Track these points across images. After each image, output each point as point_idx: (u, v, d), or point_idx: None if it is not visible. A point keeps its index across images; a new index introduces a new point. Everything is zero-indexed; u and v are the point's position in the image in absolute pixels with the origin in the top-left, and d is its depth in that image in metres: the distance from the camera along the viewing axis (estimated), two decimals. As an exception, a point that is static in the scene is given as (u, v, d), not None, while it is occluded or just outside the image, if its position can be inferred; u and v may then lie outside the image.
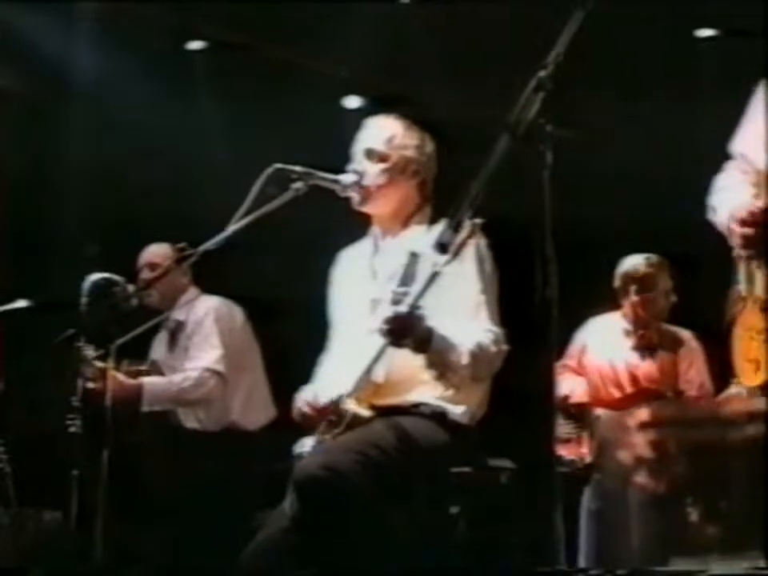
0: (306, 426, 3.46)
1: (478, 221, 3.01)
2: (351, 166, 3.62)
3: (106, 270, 3.82)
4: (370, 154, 3.61)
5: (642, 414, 4.52)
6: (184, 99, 6.13)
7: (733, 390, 3.51)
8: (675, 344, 4.88)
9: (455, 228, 2.84)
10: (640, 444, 4.29)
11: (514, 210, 3.19)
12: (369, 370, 3.36)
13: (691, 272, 5.27)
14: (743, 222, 3.12)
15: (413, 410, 3.43)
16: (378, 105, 5.93)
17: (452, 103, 5.98)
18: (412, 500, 3.36)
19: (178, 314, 5.00)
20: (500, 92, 2.90)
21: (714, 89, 5.52)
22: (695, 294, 4.88)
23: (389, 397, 3.43)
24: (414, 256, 3.23)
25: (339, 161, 3.67)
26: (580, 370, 4.90)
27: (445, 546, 3.43)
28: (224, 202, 3.59)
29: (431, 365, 3.33)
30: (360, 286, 3.62)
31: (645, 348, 4.88)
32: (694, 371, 4.85)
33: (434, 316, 3.30)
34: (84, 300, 3.79)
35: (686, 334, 4.91)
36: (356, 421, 3.33)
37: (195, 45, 6.28)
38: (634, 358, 4.87)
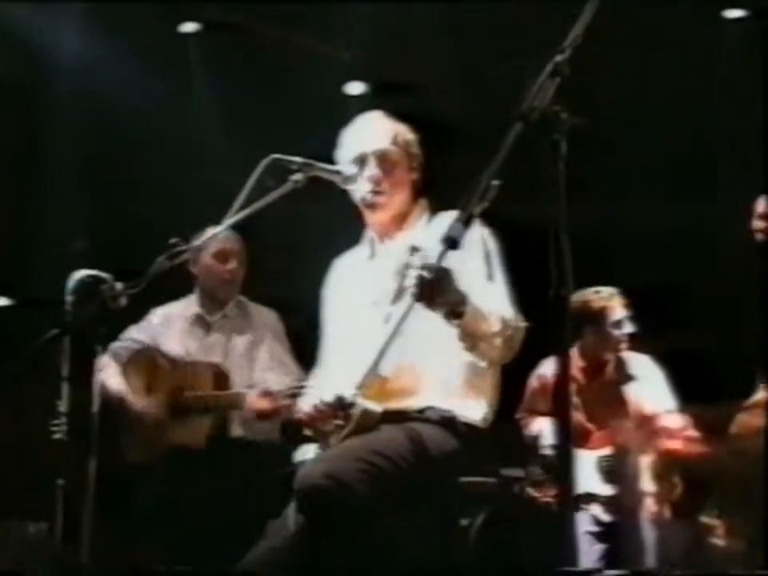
0: (312, 429, 3.38)
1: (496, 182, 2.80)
2: (364, 172, 3.50)
3: (93, 267, 3.70)
4: (383, 158, 3.50)
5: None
6: (178, 84, 6.06)
7: (760, 394, 3.46)
8: (633, 373, 4.80)
9: (465, 222, 2.70)
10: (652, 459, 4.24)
11: (527, 204, 3.08)
12: (376, 363, 3.26)
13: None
14: (762, 216, 3.09)
15: (419, 415, 3.34)
16: (381, 91, 5.83)
17: (457, 89, 5.90)
18: (419, 510, 3.28)
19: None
20: (509, 80, 2.77)
21: (737, 70, 5.40)
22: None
23: (395, 397, 3.34)
24: (414, 250, 3.15)
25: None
26: (544, 411, 4.81)
27: (454, 559, 3.36)
28: (219, 193, 3.51)
29: (465, 335, 3.23)
30: (360, 290, 3.55)
31: (604, 384, 4.80)
32: (655, 396, 4.74)
33: None
34: (69, 298, 3.69)
35: (642, 360, 4.84)
36: (365, 418, 3.25)
37: (188, 27, 6.20)
38: (593, 395, 4.77)
